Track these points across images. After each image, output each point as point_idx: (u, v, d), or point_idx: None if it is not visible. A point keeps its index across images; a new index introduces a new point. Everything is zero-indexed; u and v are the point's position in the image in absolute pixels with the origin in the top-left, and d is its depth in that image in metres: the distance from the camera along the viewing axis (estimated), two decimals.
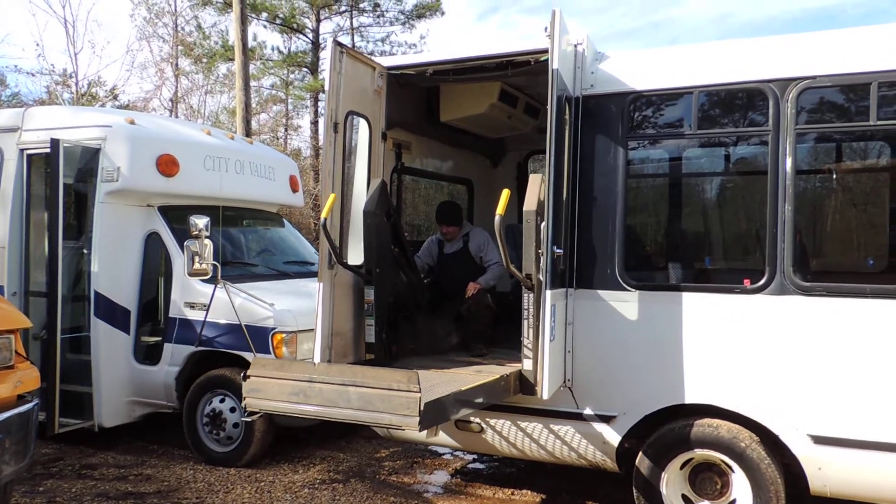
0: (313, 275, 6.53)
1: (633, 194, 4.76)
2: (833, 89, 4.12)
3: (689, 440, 4.27)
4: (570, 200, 4.47)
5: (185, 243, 5.74)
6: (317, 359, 4.71)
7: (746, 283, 4.17)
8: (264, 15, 24.31)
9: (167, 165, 6.48)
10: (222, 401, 6.10)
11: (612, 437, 4.46)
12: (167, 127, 7.31)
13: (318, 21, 25.41)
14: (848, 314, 3.93)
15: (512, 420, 4.69)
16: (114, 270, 6.38)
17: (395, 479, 5.82)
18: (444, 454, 6.49)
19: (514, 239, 4.56)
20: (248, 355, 5.80)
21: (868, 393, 3.88)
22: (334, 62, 4.80)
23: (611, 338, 4.43)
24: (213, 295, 5.98)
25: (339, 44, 4.86)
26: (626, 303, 4.38)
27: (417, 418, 3.48)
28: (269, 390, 3.91)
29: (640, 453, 4.43)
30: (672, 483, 4.39)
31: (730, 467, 4.25)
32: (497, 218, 3.97)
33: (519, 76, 5.09)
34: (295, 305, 6.06)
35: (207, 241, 5.71)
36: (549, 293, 4.03)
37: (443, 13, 25.72)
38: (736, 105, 4.40)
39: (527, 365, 4.21)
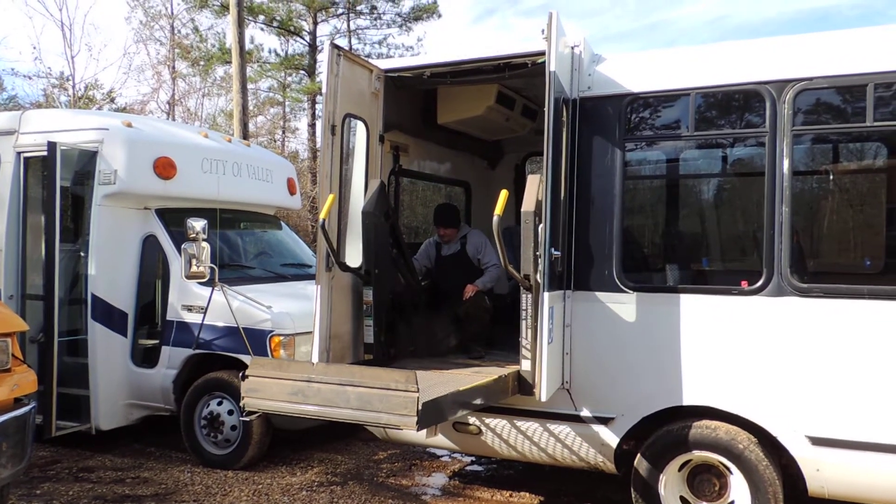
0: (311, 277, 6.52)
1: (630, 196, 4.76)
2: (829, 91, 4.13)
3: (687, 442, 4.27)
4: (567, 202, 4.47)
5: (183, 246, 5.74)
6: (315, 360, 4.70)
7: (744, 284, 4.18)
8: (261, 17, 24.35)
9: (164, 168, 6.48)
10: (220, 403, 6.09)
11: (611, 438, 4.46)
12: (164, 130, 7.29)
13: (315, 24, 25.46)
14: (845, 315, 3.94)
15: (510, 421, 4.69)
16: (111, 273, 6.37)
17: (394, 481, 5.81)
18: (442, 456, 6.49)
19: (512, 240, 4.57)
20: (245, 358, 5.78)
21: (866, 394, 3.88)
22: (332, 65, 4.80)
23: (609, 339, 4.44)
24: (210, 298, 5.98)
25: (337, 46, 4.86)
26: (624, 304, 4.38)
27: (415, 418, 3.48)
28: (267, 390, 3.91)
29: (639, 455, 4.43)
30: (670, 485, 4.39)
31: (728, 469, 4.25)
32: (495, 218, 3.97)
33: (516, 78, 5.09)
34: (292, 308, 6.06)
35: (205, 244, 5.71)
36: (546, 295, 4.03)
37: (440, 16, 25.79)
38: (733, 107, 4.41)
39: (525, 366, 4.21)
